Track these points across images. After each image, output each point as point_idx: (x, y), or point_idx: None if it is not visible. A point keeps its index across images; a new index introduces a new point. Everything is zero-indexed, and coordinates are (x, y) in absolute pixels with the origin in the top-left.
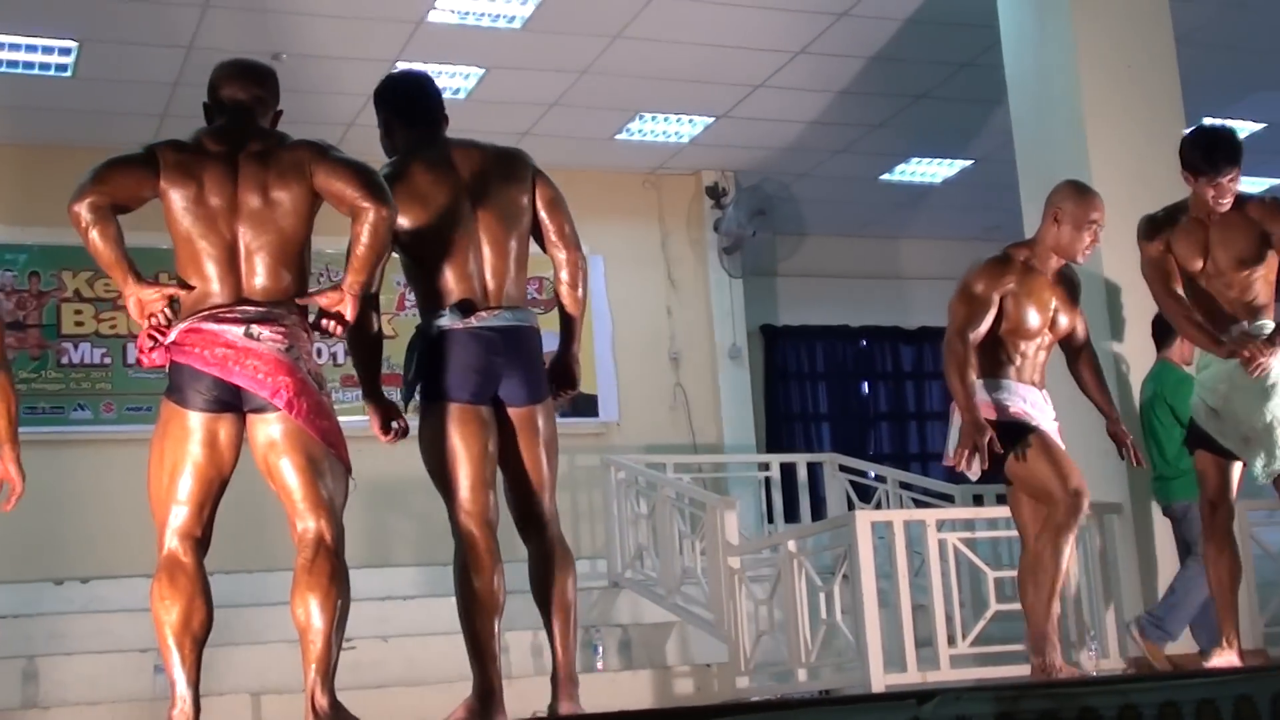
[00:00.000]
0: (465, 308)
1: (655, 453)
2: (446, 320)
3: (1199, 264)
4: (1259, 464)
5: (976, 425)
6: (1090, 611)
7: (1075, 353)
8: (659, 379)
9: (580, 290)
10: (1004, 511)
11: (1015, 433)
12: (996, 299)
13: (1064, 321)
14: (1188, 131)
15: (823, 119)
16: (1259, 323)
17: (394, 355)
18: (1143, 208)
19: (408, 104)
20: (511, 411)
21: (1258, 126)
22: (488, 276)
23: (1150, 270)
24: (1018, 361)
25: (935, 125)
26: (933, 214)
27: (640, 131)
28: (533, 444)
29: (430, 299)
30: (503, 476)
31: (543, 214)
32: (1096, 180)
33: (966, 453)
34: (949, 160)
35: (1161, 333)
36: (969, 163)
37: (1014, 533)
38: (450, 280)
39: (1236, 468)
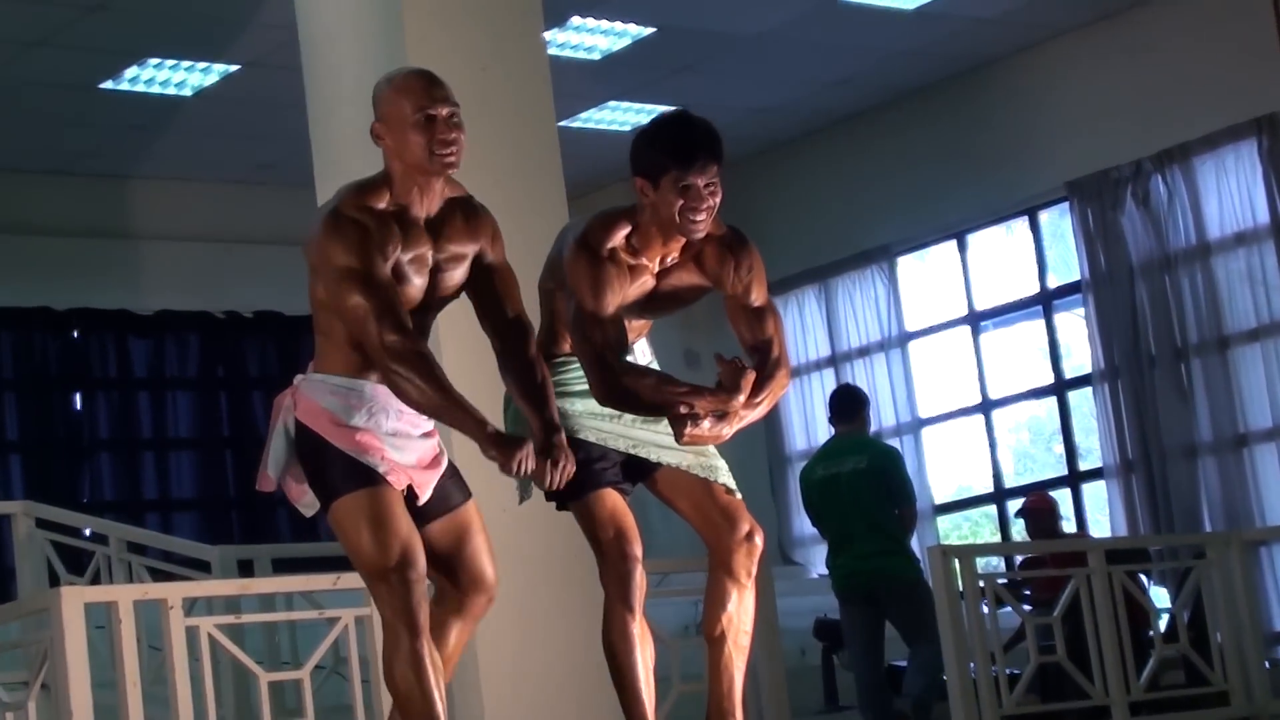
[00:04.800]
0: None
1: None
2: None
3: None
4: None
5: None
6: None
7: None
8: None
9: None
10: (285, 583)
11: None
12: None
13: None
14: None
15: None
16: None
17: None
18: (484, 139)
19: None
20: None
21: (648, 30)
22: None
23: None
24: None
25: (184, 9)
26: (181, 144)
27: None
28: None
29: None
30: None
31: None
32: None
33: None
34: (204, 64)
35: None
36: (234, 68)
37: (299, 614)
38: None
39: None
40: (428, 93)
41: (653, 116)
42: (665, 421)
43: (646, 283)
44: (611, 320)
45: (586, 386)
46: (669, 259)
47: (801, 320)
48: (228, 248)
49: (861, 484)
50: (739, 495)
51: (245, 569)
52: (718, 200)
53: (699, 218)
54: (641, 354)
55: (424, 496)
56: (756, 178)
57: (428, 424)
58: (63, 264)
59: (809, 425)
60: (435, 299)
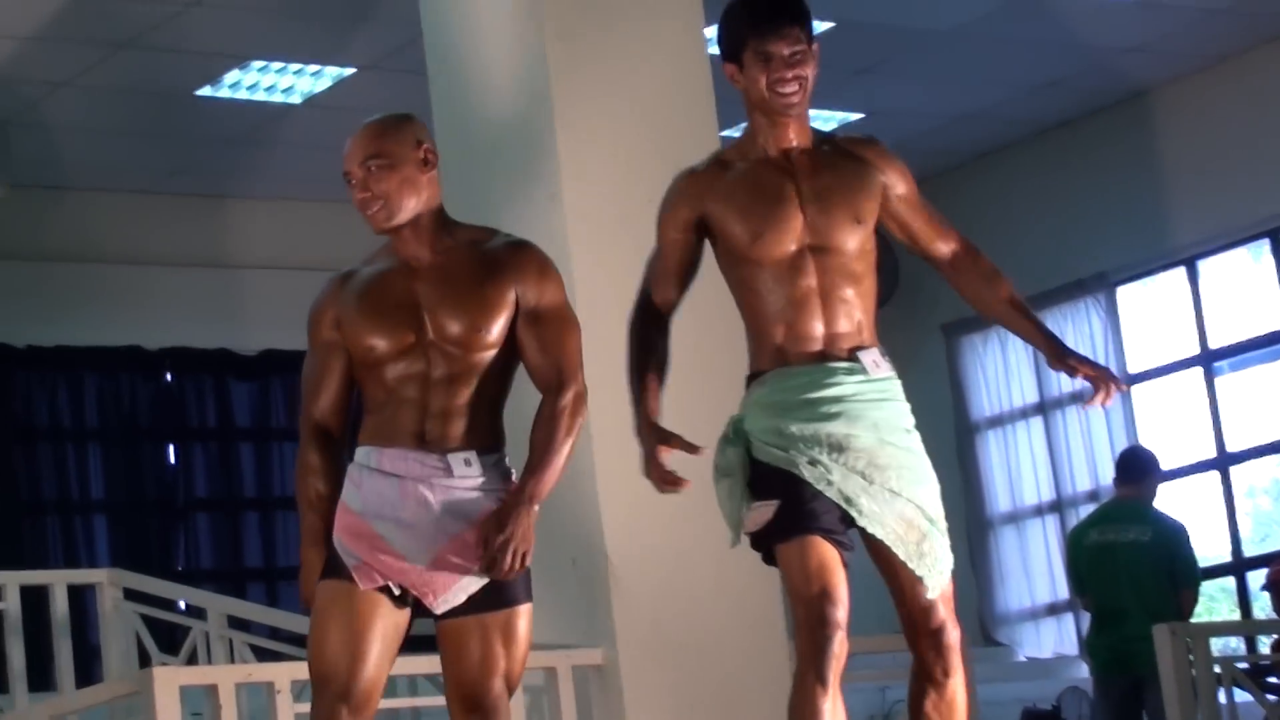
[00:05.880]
0: None
1: None
2: None
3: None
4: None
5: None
6: None
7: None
8: None
9: None
10: (409, 664)
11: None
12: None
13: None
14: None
15: None
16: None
17: None
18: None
19: None
20: None
21: (824, 24)
22: None
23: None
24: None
25: (292, 5)
26: (288, 158)
27: None
28: None
29: None
30: None
31: None
32: (562, 116)
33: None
34: (317, 66)
35: None
36: (349, 71)
37: (425, 700)
38: None
39: None
40: None
41: (833, 124)
42: (893, 474)
43: (784, 185)
44: (659, 256)
45: (806, 399)
46: (798, 149)
47: (1004, 360)
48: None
49: (1141, 558)
50: (949, 585)
51: None
52: (810, 71)
53: (787, 89)
54: (874, 364)
55: (437, 603)
56: (950, 194)
57: (470, 508)
58: (154, 297)
59: (1014, 484)
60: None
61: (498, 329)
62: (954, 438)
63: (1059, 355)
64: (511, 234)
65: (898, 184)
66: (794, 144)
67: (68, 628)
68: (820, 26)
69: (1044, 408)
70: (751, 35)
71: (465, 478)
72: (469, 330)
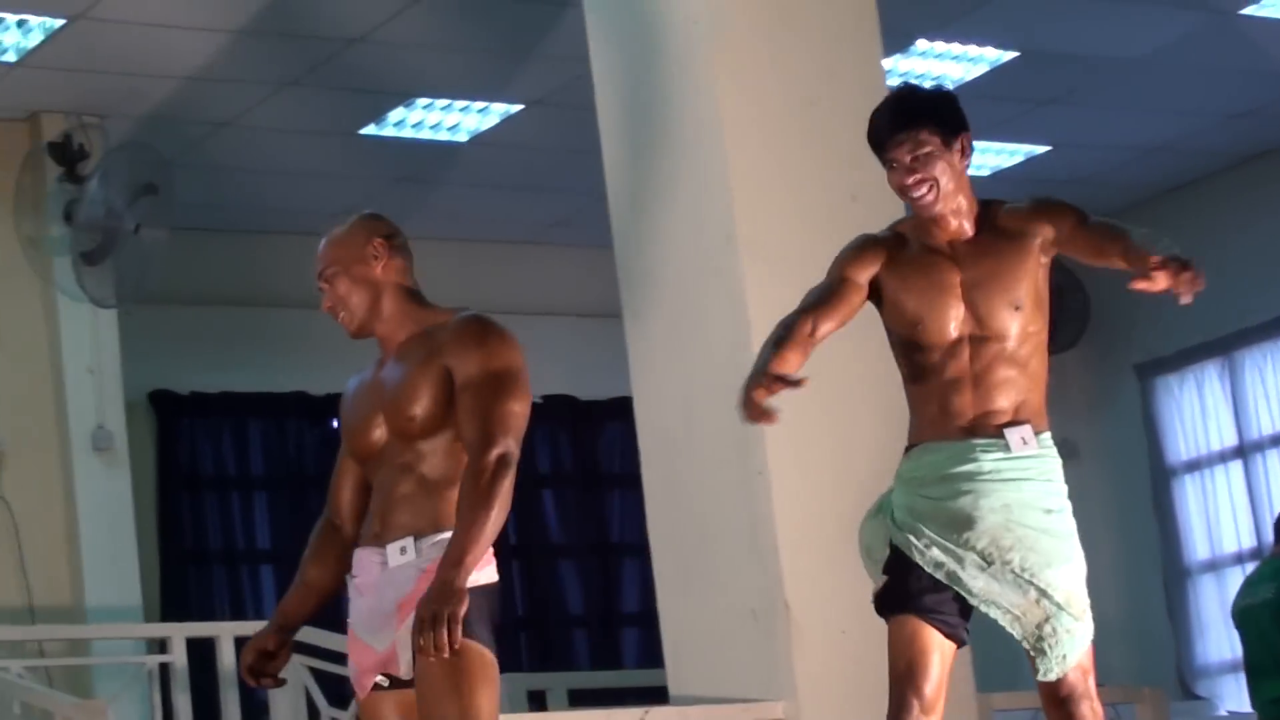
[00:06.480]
0: None
1: None
2: None
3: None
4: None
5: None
6: None
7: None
8: None
9: None
10: (583, 719)
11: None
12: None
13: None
14: None
15: (257, 27)
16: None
17: None
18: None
19: None
20: None
21: (1008, 55)
22: None
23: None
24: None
25: (458, 41)
26: (455, 197)
27: None
28: None
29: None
30: None
31: None
32: (731, 140)
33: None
34: (484, 103)
35: None
36: (517, 108)
37: None
38: None
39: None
40: None
41: (1019, 158)
42: (1018, 555)
43: (948, 274)
44: (829, 289)
45: (943, 475)
46: (960, 239)
47: (1201, 402)
48: (511, 321)
49: (1266, 617)
50: (1085, 658)
51: (536, 701)
52: (938, 169)
53: (917, 193)
54: (1021, 441)
55: (403, 671)
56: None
57: (405, 586)
58: (319, 341)
59: (1212, 531)
60: None
61: (421, 410)
62: (1150, 483)
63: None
64: (471, 311)
65: (1060, 226)
66: (957, 232)
67: (235, 680)
68: (1004, 57)
69: (1243, 451)
70: (876, 144)
71: (401, 565)
72: (401, 420)
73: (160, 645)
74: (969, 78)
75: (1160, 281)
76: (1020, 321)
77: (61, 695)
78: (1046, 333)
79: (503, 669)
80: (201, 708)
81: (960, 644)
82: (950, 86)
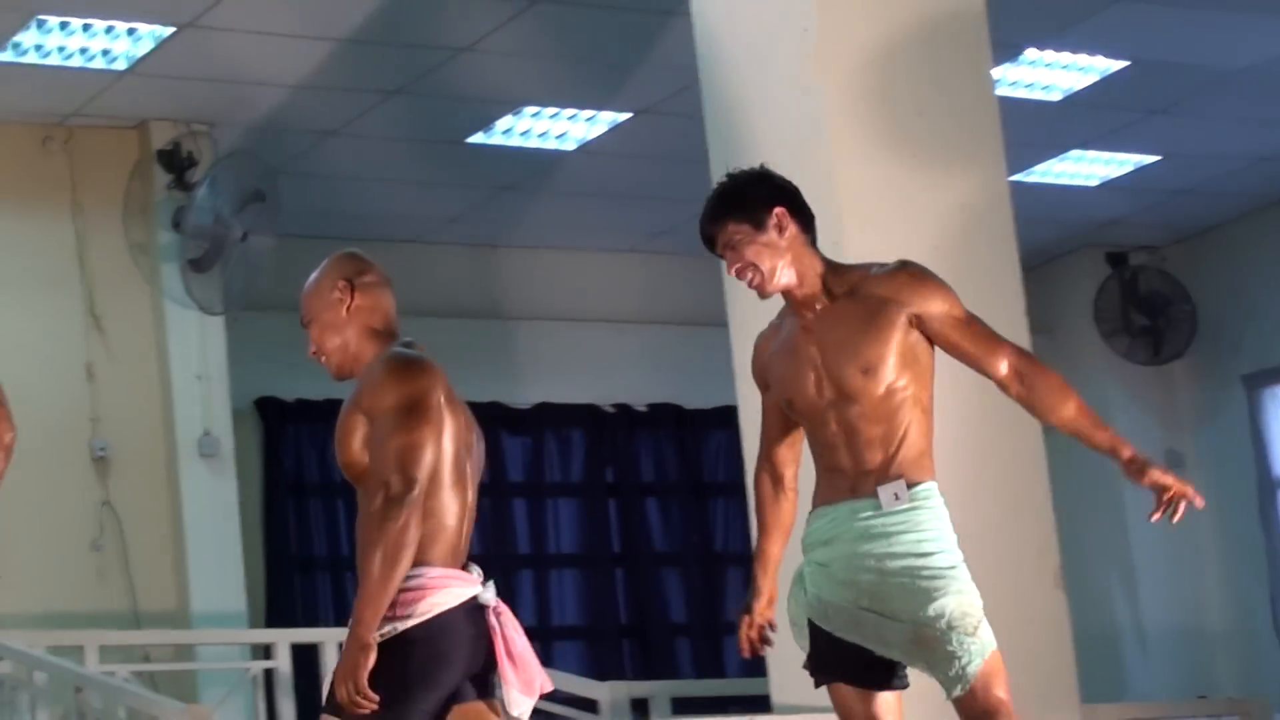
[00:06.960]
0: None
1: (64, 626)
2: None
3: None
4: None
5: None
6: None
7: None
8: (71, 494)
9: None
10: None
11: None
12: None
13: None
14: None
15: (364, 36)
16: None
17: None
18: (921, 194)
19: None
20: None
21: (1119, 64)
22: None
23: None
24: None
25: (566, 49)
26: (562, 206)
27: (36, 49)
28: None
29: None
30: None
31: None
32: (838, 150)
33: None
34: (591, 112)
35: None
36: (624, 116)
37: None
38: None
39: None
40: None
41: (1129, 168)
42: (898, 603)
43: (806, 346)
44: (763, 419)
45: (824, 539)
46: (816, 308)
47: None
48: (618, 329)
49: None
50: (988, 666)
51: (639, 710)
52: (749, 254)
53: (742, 280)
54: (892, 498)
55: None
56: (1254, 240)
57: None
58: (428, 348)
59: None
60: None
61: (354, 456)
62: (1256, 494)
63: (1140, 470)
64: (391, 350)
65: (931, 307)
66: (810, 302)
67: None
68: (1114, 66)
69: None
70: (705, 243)
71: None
72: (342, 466)
73: (265, 651)
74: (1078, 87)
75: None
76: (873, 383)
77: (167, 700)
78: (924, 385)
79: (605, 676)
80: (305, 713)
81: (898, 689)
82: (1059, 95)
